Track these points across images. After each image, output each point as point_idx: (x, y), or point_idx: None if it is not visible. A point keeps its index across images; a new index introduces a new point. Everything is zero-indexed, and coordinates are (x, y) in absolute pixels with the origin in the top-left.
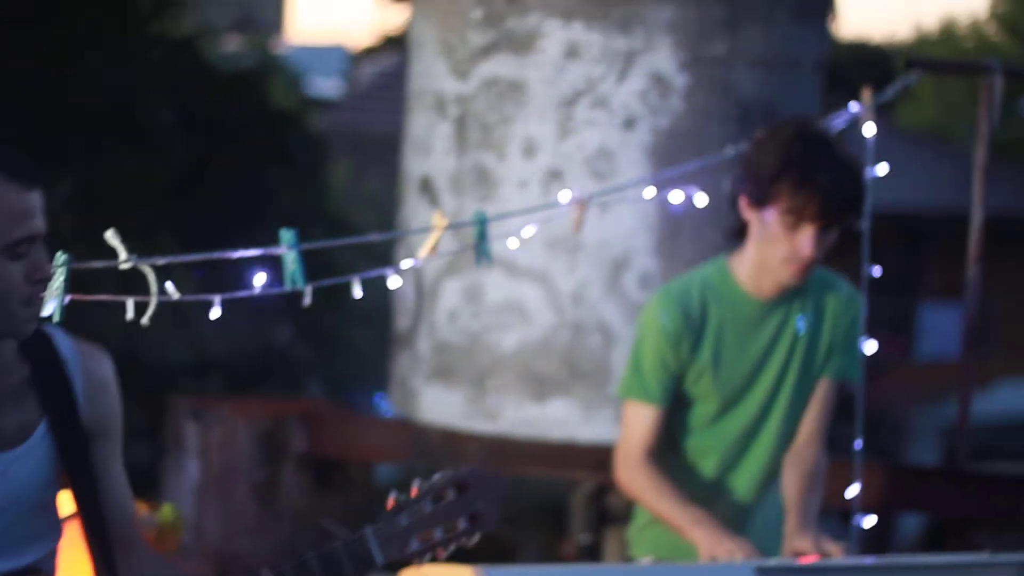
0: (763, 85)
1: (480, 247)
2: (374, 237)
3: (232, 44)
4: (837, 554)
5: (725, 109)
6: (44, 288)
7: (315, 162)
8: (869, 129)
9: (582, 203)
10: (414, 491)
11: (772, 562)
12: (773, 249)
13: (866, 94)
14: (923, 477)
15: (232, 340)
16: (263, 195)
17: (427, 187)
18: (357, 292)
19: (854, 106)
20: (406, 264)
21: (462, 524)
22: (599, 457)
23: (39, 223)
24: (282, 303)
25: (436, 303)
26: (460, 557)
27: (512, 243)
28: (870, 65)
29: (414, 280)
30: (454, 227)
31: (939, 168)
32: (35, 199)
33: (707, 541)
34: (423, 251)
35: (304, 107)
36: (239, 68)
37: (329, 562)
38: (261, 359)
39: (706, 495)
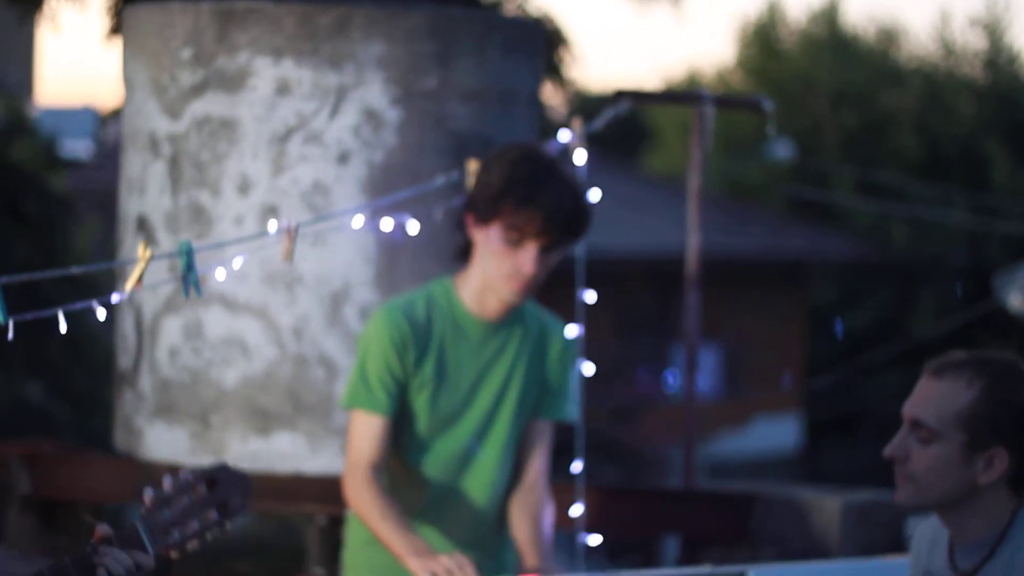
0: (477, 118)
1: (188, 278)
2: (75, 270)
3: None
4: None
5: (439, 142)
6: None
7: (54, 221)
8: (580, 157)
9: (290, 232)
10: (167, 487)
11: None
12: (496, 265)
13: (576, 124)
14: (647, 497)
15: None
16: None
17: (143, 226)
18: (62, 326)
19: (564, 135)
20: (115, 298)
21: (214, 515)
22: (327, 489)
23: None
24: (31, 361)
25: (157, 340)
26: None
27: (220, 274)
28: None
29: (134, 318)
30: (158, 258)
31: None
32: None
33: (424, 570)
34: (129, 284)
35: (48, 167)
36: None
37: (109, 551)
38: (16, 417)
39: (432, 513)
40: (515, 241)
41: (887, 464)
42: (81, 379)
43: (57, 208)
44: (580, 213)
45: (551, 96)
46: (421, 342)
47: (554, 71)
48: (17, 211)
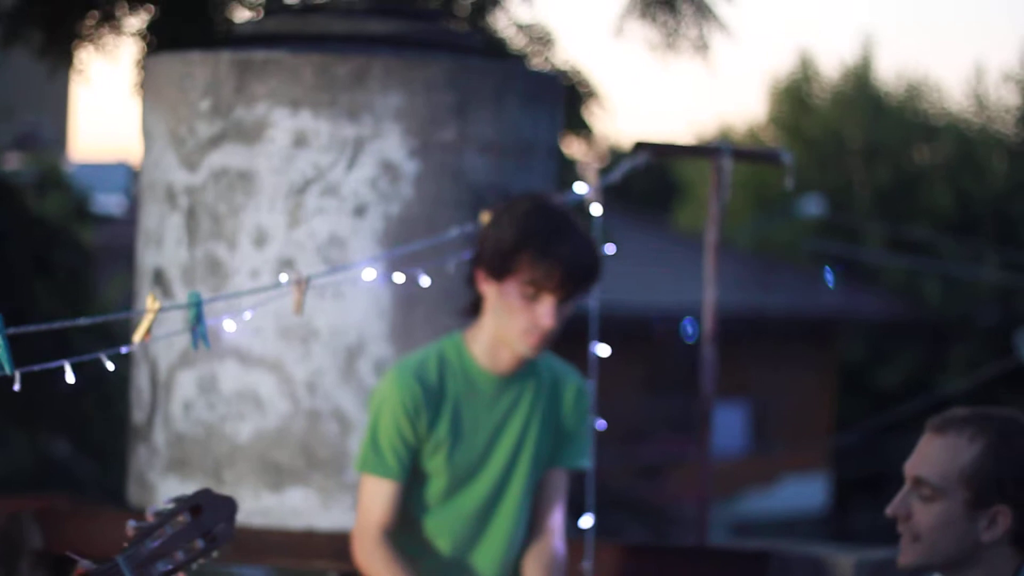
0: (495, 170)
1: (196, 330)
2: (84, 321)
3: (13, 162)
4: None
5: (457, 194)
6: None
7: (81, 274)
8: (596, 209)
9: (300, 284)
10: (149, 517)
11: None
12: (512, 321)
13: (592, 175)
14: (659, 554)
15: (6, 457)
16: (22, 305)
17: (160, 279)
18: (69, 377)
19: (581, 187)
20: (123, 349)
21: (200, 544)
22: (339, 546)
23: None
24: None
25: (171, 394)
26: None
27: (229, 326)
28: (646, 171)
29: (149, 372)
30: (166, 310)
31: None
32: None
33: None
34: (137, 335)
35: (79, 221)
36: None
37: None
38: (40, 473)
39: (448, 571)
40: (532, 296)
41: None
42: (105, 434)
43: (84, 262)
44: (596, 263)
45: (579, 150)
46: (434, 404)
47: (583, 125)
48: (45, 265)
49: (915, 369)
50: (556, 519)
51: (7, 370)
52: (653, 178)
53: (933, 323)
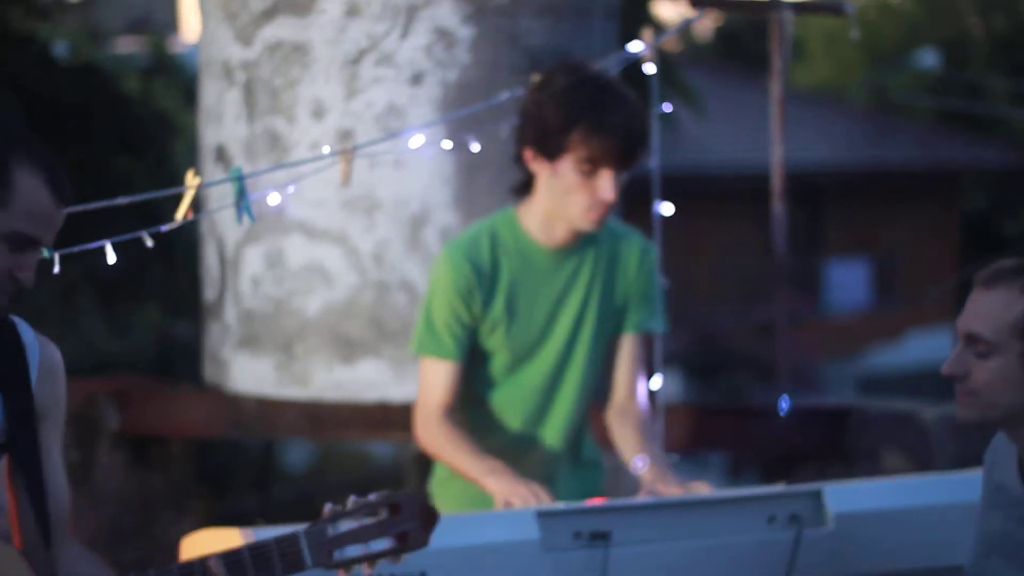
0: (552, 34)
1: (240, 204)
2: (120, 201)
3: (128, 45)
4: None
5: (514, 60)
6: (19, 287)
7: (172, 154)
8: (650, 68)
9: (346, 154)
10: (349, 504)
11: (554, 506)
12: (571, 199)
13: (647, 34)
14: (730, 415)
15: (127, 340)
16: (113, 185)
17: (222, 155)
18: (111, 257)
19: (636, 45)
20: (164, 227)
21: (389, 543)
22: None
23: (48, 238)
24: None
25: (239, 271)
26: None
27: (273, 199)
28: (762, 29)
29: (216, 249)
30: (205, 186)
31: (833, 127)
32: (59, 217)
33: (501, 490)
34: (180, 212)
35: (188, 104)
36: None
37: (262, 559)
38: (163, 355)
39: (513, 449)
40: (589, 172)
41: None
42: None
43: (174, 142)
44: (646, 128)
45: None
46: (487, 283)
47: None
48: (131, 145)
49: None
50: (632, 384)
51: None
52: (767, 38)
53: None
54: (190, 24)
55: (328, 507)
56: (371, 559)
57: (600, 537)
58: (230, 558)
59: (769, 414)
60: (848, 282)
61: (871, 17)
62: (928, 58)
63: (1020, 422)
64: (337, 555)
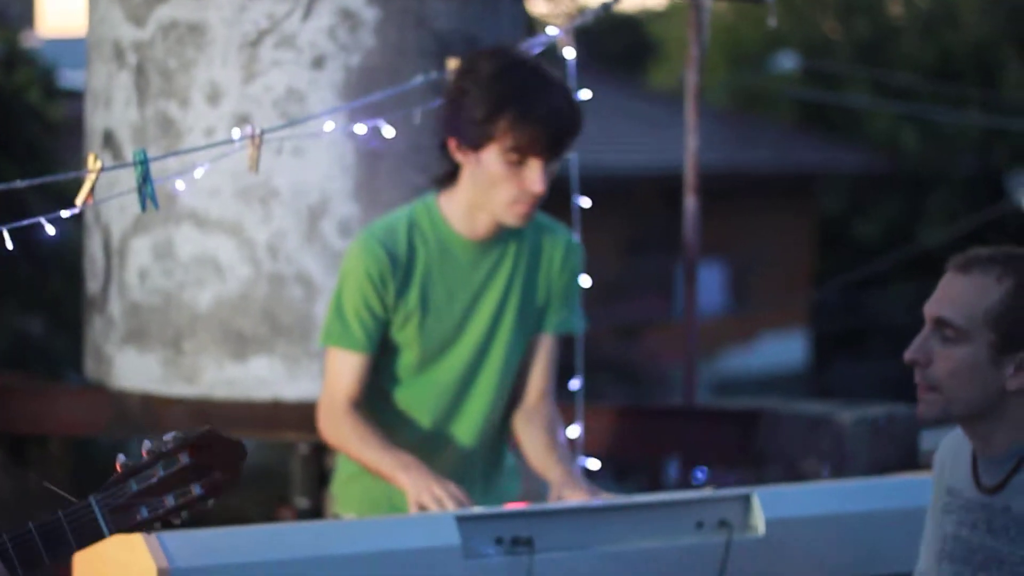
0: (460, 17)
1: (144, 190)
2: (18, 185)
3: None
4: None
5: (420, 42)
6: None
7: (47, 149)
8: (569, 53)
9: (255, 140)
10: (144, 452)
11: (475, 510)
12: (497, 191)
13: (565, 17)
14: (649, 416)
15: None
16: None
17: (110, 141)
18: (7, 244)
19: (551, 30)
20: (65, 214)
21: (196, 490)
22: (307, 416)
23: None
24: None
25: (125, 262)
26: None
27: (181, 185)
28: (626, 31)
29: (102, 240)
30: (108, 169)
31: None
32: None
33: (414, 487)
34: (79, 198)
35: (46, 97)
36: None
37: (51, 534)
38: (15, 352)
39: (423, 448)
40: (516, 162)
41: (896, 379)
42: (78, 309)
43: (50, 137)
44: (576, 115)
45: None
46: (402, 272)
47: None
48: (9, 140)
49: (895, 221)
50: (545, 385)
51: None
52: (626, 39)
53: (912, 174)
54: (45, 18)
55: (121, 460)
56: (177, 511)
57: (523, 543)
58: (16, 540)
59: (681, 415)
60: (704, 285)
61: (731, 20)
62: (787, 61)
63: (981, 419)
64: (141, 514)
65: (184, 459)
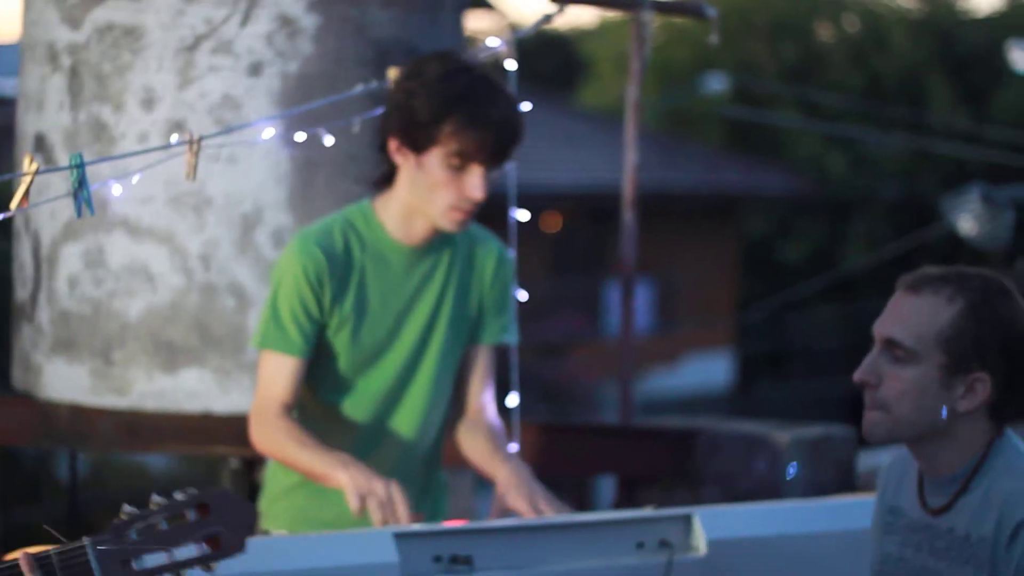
0: (400, 26)
1: (80, 195)
2: None
3: None
4: (550, 514)
5: (360, 51)
6: None
7: None
8: (511, 64)
9: (192, 147)
10: (151, 506)
11: (413, 528)
12: (435, 196)
13: (506, 30)
14: (585, 435)
15: None
16: None
17: (41, 145)
18: None
19: (493, 41)
20: (3, 215)
21: (198, 549)
22: (239, 429)
23: None
24: None
25: (55, 270)
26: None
27: (116, 190)
28: (556, 49)
29: (31, 246)
30: (43, 172)
31: (620, 148)
32: None
33: (355, 482)
34: (14, 201)
35: None
36: None
37: (42, 570)
38: None
39: (355, 456)
40: (458, 167)
41: (819, 400)
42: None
43: None
44: (521, 124)
45: (483, 22)
46: (338, 276)
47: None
48: None
49: (818, 244)
50: (484, 396)
51: None
52: (556, 58)
53: (837, 199)
54: None
55: (125, 509)
56: (176, 568)
57: (462, 562)
58: (5, 571)
59: (617, 433)
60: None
61: (661, 41)
62: (716, 83)
63: (929, 440)
64: (137, 566)
65: (191, 516)
